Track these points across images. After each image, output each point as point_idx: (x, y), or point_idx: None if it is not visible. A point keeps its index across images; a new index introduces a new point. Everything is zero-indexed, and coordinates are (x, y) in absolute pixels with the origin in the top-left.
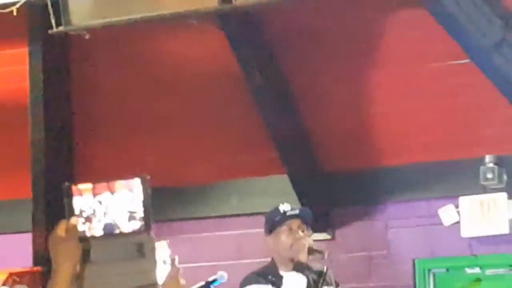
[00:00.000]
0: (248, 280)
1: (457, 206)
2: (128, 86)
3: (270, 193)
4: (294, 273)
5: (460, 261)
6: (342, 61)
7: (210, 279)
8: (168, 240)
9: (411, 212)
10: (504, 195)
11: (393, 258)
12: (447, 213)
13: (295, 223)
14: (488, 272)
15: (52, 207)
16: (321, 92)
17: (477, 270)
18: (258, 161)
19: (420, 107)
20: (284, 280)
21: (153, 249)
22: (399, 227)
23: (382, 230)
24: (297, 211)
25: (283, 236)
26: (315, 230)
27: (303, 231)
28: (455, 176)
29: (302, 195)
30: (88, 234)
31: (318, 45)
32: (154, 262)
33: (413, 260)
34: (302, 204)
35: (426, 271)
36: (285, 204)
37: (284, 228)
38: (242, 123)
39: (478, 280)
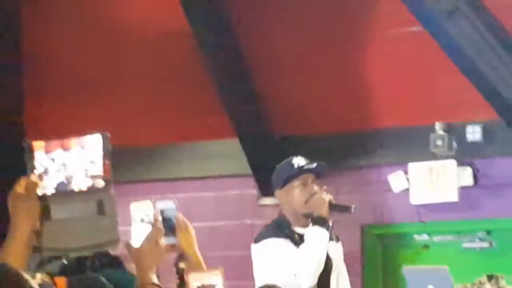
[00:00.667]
0: (265, 234)
1: (406, 173)
2: (81, 47)
3: (221, 157)
4: (316, 227)
5: (409, 228)
6: (296, 27)
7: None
8: (152, 199)
9: (361, 179)
10: (453, 162)
11: (342, 223)
12: (396, 180)
13: (310, 177)
14: (436, 239)
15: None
16: (274, 57)
17: (425, 237)
18: (210, 124)
19: (371, 73)
20: (305, 236)
21: (113, 207)
22: (348, 194)
23: (332, 195)
24: (314, 165)
25: (297, 191)
26: (266, 194)
27: (317, 186)
28: (405, 143)
29: (253, 159)
30: (46, 191)
31: (272, 10)
32: (115, 219)
33: (362, 227)
34: (253, 169)
35: (375, 238)
36: (298, 157)
37: (298, 182)
38: (195, 87)
39: (426, 246)
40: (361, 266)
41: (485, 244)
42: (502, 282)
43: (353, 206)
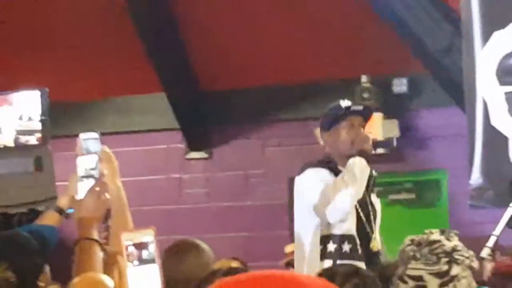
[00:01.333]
0: (309, 165)
1: None
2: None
3: (148, 112)
4: (358, 158)
5: None
6: None
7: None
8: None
9: (288, 131)
10: (379, 114)
11: (269, 176)
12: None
13: (357, 120)
14: None
15: None
16: (200, 13)
17: None
18: (137, 79)
19: (297, 28)
20: (347, 164)
21: (50, 163)
22: (275, 146)
23: (258, 149)
24: (361, 107)
25: (344, 132)
26: (193, 148)
27: (363, 129)
28: (331, 96)
29: (180, 114)
30: None
31: None
32: (52, 176)
33: (289, 179)
34: (180, 123)
35: None
36: (345, 100)
37: (345, 124)
38: (122, 42)
39: None
40: (289, 219)
41: (411, 195)
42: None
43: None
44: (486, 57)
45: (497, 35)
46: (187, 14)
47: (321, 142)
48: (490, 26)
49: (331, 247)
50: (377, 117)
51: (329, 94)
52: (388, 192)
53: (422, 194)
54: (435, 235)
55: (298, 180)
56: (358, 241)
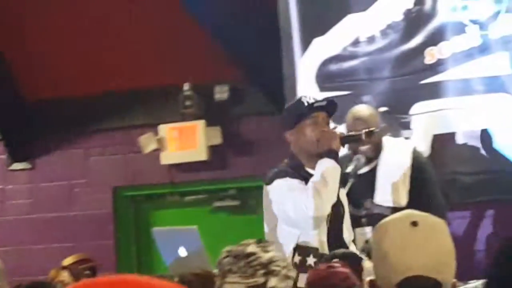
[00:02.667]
0: (272, 175)
1: (156, 134)
2: None
3: None
4: (326, 159)
5: (160, 189)
6: None
7: None
8: None
9: (111, 140)
10: (202, 122)
11: (93, 186)
12: (146, 141)
13: (321, 116)
14: (188, 199)
15: None
16: (20, 23)
17: (177, 197)
18: None
19: (118, 37)
20: (316, 168)
21: None
22: (99, 156)
23: (82, 158)
24: (324, 103)
25: (308, 130)
26: (15, 159)
27: (328, 124)
28: (155, 104)
29: (2, 124)
30: None
31: None
32: None
33: (113, 188)
34: (2, 133)
35: (126, 199)
36: (308, 95)
37: (308, 121)
38: None
39: (178, 206)
40: (113, 228)
41: (235, 202)
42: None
43: (363, 131)
44: (305, 64)
45: (316, 42)
46: (4, 24)
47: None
48: (310, 33)
49: (296, 259)
50: (200, 125)
51: (152, 102)
52: (212, 199)
53: (246, 201)
54: (251, 246)
55: (266, 191)
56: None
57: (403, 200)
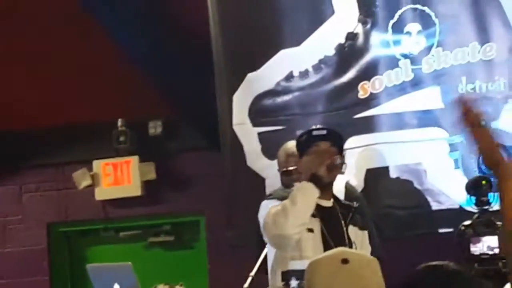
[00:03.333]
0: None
1: (90, 170)
2: None
3: None
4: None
5: (95, 224)
6: None
7: None
8: None
9: (45, 176)
10: (136, 158)
11: (28, 222)
12: (80, 177)
13: (324, 145)
14: (123, 234)
15: None
16: None
17: (112, 233)
18: None
19: (54, 73)
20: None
21: None
22: (33, 192)
23: (16, 195)
24: (324, 132)
25: (306, 158)
26: None
27: (334, 154)
28: (88, 140)
29: None
30: None
31: None
32: None
33: (48, 225)
34: None
35: (61, 235)
36: (318, 126)
37: (311, 150)
38: None
39: (113, 242)
40: (48, 264)
41: (170, 238)
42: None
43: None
44: (239, 99)
45: (250, 77)
46: None
47: None
48: (243, 68)
49: (280, 284)
50: (134, 160)
51: (86, 138)
52: (146, 234)
53: (180, 236)
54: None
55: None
56: None
57: None
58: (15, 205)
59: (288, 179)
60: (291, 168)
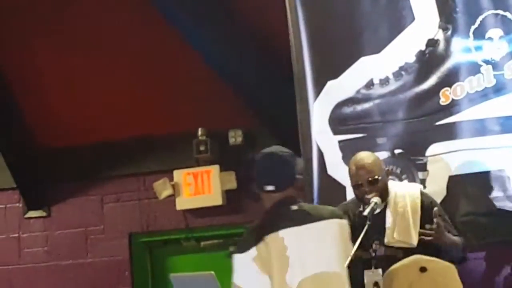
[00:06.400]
0: None
1: (171, 180)
2: None
3: None
4: None
5: (176, 234)
6: (55, 43)
7: None
8: None
9: (126, 187)
10: (216, 167)
11: (109, 233)
12: (161, 187)
13: None
14: (204, 243)
15: None
16: (33, 71)
17: (193, 242)
18: None
19: (134, 83)
20: None
21: None
22: (114, 202)
23: (97, 205)
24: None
25: None
26: (31, 207)
27: None
28: (169, 150)
29: (17, 173)
30: None
31: (30, 24)
32: None
33: (129, 234)
34: (17, 182)
35: (143, 245)
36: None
37: None
38: None
39: (194, 252)
40: (130, 275)
41: None
42: None
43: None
44: (319, 107)
45: (330, 85)
46: (17, 74)
47: None
48: (323, 76)
49: None
50: (214, 170)
51: (167, 148)
52: (228, 243)
53: None
54: None
55: None
56: None
57: (414, 240)
58: (97, 215)
59: (359, 192)
60: (360, 182)
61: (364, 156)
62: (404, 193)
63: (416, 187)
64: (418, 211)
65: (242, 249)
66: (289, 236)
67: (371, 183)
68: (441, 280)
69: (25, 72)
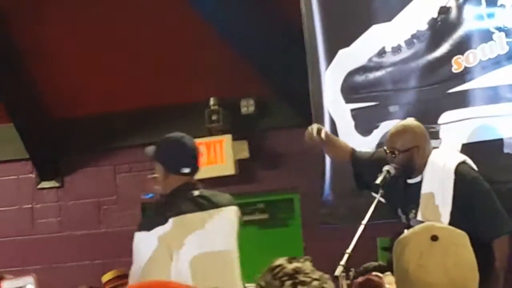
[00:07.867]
0: None
1: None
2: None
3: None
4: None
5: None
6: (65, 14)
7: None
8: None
9: (139, 157)
10: (229, 136)
11: (122, 203)
12: None
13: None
14: None
15: None
16: (47, 44)
17: None
18: None
19: (143, 54)
20: None
21: None
22: (127, 172)
23: (110, 175)
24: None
25: None
26: (44, 178)
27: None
28: (181, 120)
29: (29, 144)
30: None
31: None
32: None
33: (142, 204)
34: (30, 153)
35: None
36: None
37: None
38: None
39: None
40: None
41: (264, 216)
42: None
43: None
44: (331, 76)
45: (341, 53)
46: (30, 45)
47: None
48: (335, 45)
49: None
50: (227, 139)
51: (179, 118)
52: (240, 213)
53: (274, 214)
54: (279, 260)
55: None
56: None
57: (445, 219)
58: (109, 185)
59: (387, 158)
60: (388, 150)
61: (400, 125)
62: (440, 167)
63: (454, 161)
64: (450, 191)
65: (146, 227)
66: (190, 219)
67: (392, 153)
68: (453, 249)
69: (39, 42)
